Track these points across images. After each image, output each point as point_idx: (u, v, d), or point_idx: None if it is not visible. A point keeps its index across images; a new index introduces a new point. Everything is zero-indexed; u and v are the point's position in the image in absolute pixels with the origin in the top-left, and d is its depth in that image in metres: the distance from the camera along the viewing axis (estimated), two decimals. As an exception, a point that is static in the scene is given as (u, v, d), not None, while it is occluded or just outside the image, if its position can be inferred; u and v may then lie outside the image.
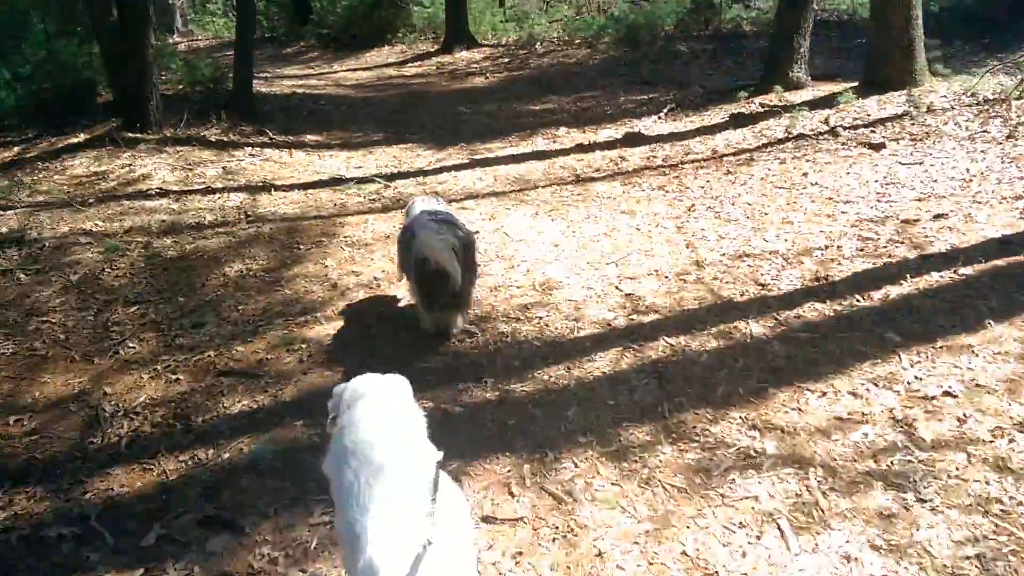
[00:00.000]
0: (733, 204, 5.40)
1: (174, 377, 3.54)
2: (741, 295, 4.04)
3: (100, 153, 7.29)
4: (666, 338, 3.63)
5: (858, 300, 3.88)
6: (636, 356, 3.50)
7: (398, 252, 3.93)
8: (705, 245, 4.74)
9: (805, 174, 5.85)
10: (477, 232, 5.14)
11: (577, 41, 14.02)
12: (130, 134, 7.69)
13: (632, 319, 3.86)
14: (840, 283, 4.09)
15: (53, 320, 4.13)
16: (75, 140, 7.78)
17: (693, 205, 5.46)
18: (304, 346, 3.78)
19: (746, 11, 14.07)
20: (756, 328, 3.68)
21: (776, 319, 3.75)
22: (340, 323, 4.03)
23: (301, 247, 5.10)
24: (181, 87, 9.77)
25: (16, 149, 7.71)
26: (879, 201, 5.15)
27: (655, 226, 5.13)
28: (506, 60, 13.46)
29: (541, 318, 3.94)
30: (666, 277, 4.32)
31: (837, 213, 5.04)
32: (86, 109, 8.76)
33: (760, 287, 4.12)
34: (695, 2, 13.64)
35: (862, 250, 4.46)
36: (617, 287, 4.24)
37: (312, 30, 17.14)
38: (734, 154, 6.69)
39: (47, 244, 5.10)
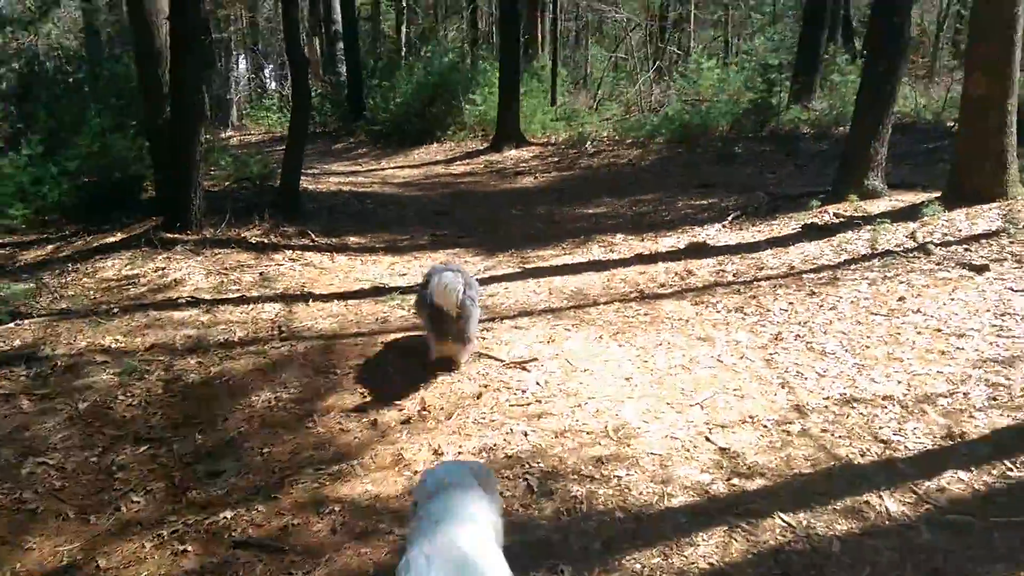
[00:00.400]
0: (826, 333, 4.75)
1: (181, 548, 2.93)
2: (862, 455, 3.34)
3: (135, 254, 6.96)
4: (782, 515, 2.93)
5: (1009, 470, 3.16)
6: (748, 540, 2.80)
7: (416, 299, 4.71)
8: (803, 385, 4.07)
9: (902, 299, 5.19)
10: (535, 359, 4.56)
11: (628, 140, 13.78)
12: (168, 234, 7.39)
13: (733, 485, 3.17)
14: (979, 443, 3.37)
15: (51, 461, 3.58)
16: (112, 239, 7.50)
17: (780, 333, 4.81)
18: (337, 509, 3.15)
19: (804, 112, 13.72)
20: (892, 506, 2.96)
21: (915, 492, 3.03)
22: (380, 475, 3.41)
23: (337, 371, 4.55)
24: (228, 183, 9.61)
25: (50, 248, 7.45)
26: (999, 336, 4.45)
27: (740, 358, 4.49)
28: (555, 159, 13.24)
29: (620, 478, 3.27)
30: (764, 426, 3.64)
31: (952, 350, 4.34)
32: (129, 205, 8.57)
33: (882, 444, 3.41)
34: (752, 103, 13.38)
35: (995, 399, 3.74)
36: (707, 438, 3.57)
37: (364, 126, 17.31)
38: (814, 271, 6.07)
39: (60, 363, 4.63)
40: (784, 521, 2.90)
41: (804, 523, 2.88)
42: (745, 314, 5.22)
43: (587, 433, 3.68)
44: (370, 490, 3.29)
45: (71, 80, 10.61)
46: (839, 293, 5.44)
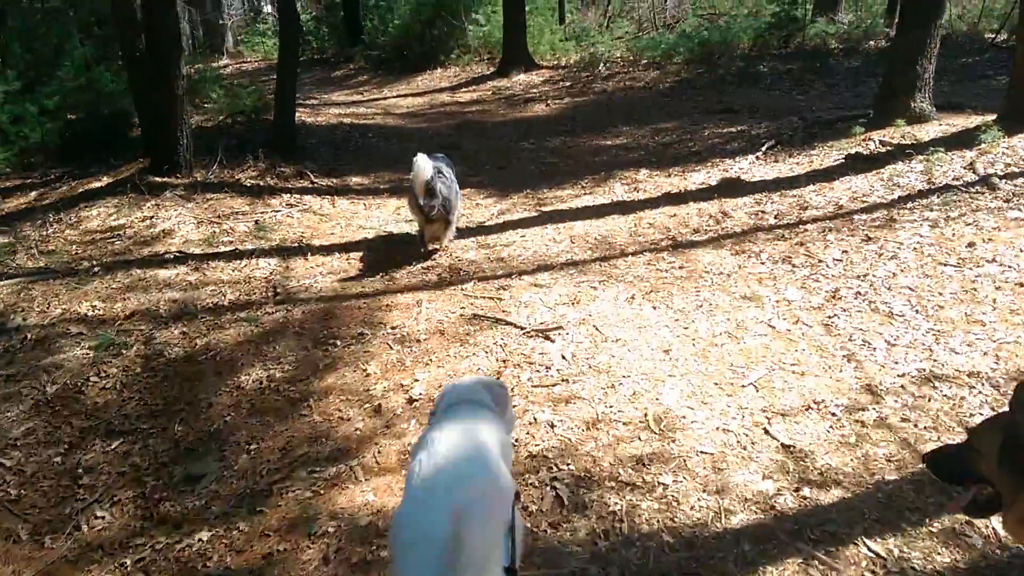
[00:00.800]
0: (890, 289, 4.16)
1: (147, 584, 2.49)
2: (954, 455, 2.82)
3: (121, 201, 6.41)
4: (867, 542, 2.42)
5: None
6: (828, 579, 2.32)
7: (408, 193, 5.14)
8: (872, 358, 3.51)
9: (971, 245, 4.57)
10: (559, 327, 4.02)
11: (644, 61, 12.87)
12: (157, 178, 6.81)
13: (804, 497, 2.66)
14: (1095, 436, 2.83)
15: (8, 463, 3.13)
16: (98, 184, 6.92)
17: (837, 290, 4.23)
18: (331, 529, 2.67)
19: (831, 26, 12.68)
20: (1000, 526, 2.45)
21: None
22: (383, 481, 2.92)
23: (337, 343, 4.04)
24: (221, 118, 8.93)
25: (33, 195, 6.89)
26: (1095, 292, 3.87)
27: (794, 323, 3.93)
28: (567, 84, 12.37)
29: (667, 487, 2.77)
30: (832, 414, 3.11)
31: (1041, 309, 3.77)
32: (118, 143, 7.95)
33: (976, 439, 2.89)
34: (774, 16, 12.39)
35: (1103, 375, 3.20)
36: (767, 430, 3.05)
37: (362, 51, 16.34)
38: (865, 211, 5.42)
39: (30, 335, 4.15)
40: (871, 551, 2.39)
41: (896, 553, 2.38)
42: (794, 266, 4.63)
43: (623, 424, 3.16)
44: (371, 501, 2.81)
45: (48, 7, 9.82)
46: (898, 238, 4.82)
